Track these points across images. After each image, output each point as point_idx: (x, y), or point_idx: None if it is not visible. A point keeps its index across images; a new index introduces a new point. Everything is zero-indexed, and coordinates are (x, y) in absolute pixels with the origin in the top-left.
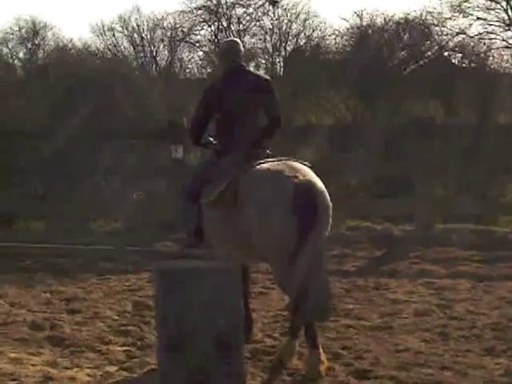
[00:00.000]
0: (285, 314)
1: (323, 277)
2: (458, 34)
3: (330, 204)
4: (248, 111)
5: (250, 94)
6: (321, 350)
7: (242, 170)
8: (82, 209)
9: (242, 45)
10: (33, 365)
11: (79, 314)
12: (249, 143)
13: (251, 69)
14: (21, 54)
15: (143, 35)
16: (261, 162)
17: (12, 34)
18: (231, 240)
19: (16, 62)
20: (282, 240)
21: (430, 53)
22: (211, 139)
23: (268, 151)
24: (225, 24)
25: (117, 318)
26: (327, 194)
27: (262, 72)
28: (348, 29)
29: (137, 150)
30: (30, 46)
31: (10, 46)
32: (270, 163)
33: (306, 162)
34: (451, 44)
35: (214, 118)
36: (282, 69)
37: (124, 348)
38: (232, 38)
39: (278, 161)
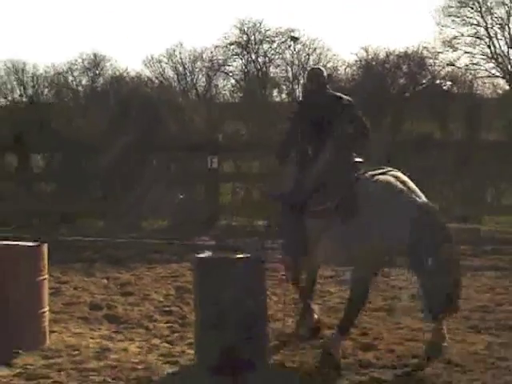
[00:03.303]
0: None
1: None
2: (448, 65)
3: None
4: (329, 127)
5: (329, 112)
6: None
7: (352, 180)
8: (134, 210)
9: (324, 71)
10: (92, 338)
11: (131, 296)
12: (342, 154)
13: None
14: (83, 81)
15: (185, 66)
16: (365, 171)
17: (76, 64)
18: (321, 248)
19: (79, 88)
20: (388, 253)
21: (425, 81)
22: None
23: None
24: (253, 57)
25: (162, 300)
26: None
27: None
28: (356, 61)
29: (179, 160)
30: (91, 74)
31: (74, 75)
32: (375, 173)
33: None
34: (443, 73)
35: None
36: (300, 94)
37: (168, 325)
38: (317, 66)
39: (379, 170)
